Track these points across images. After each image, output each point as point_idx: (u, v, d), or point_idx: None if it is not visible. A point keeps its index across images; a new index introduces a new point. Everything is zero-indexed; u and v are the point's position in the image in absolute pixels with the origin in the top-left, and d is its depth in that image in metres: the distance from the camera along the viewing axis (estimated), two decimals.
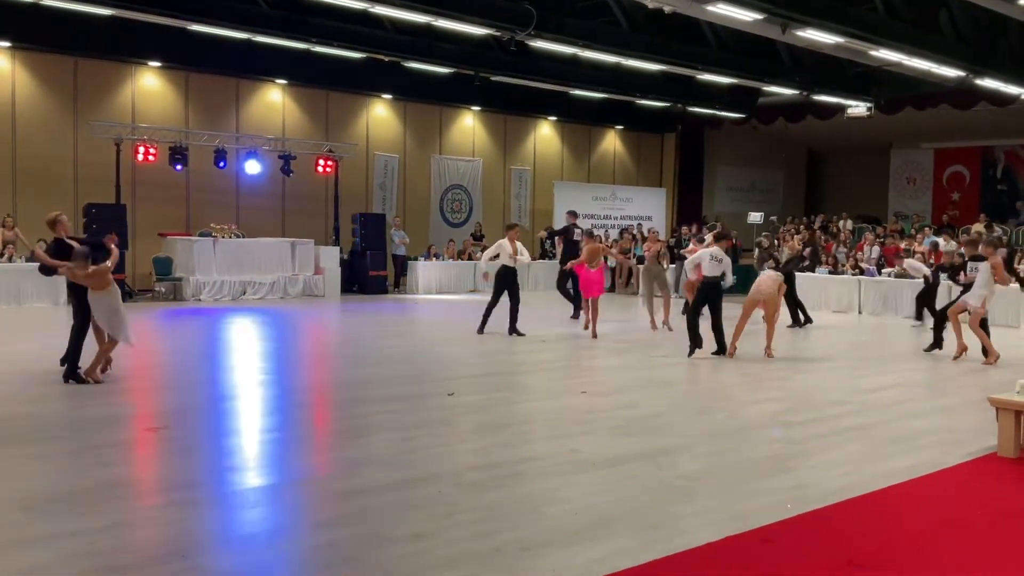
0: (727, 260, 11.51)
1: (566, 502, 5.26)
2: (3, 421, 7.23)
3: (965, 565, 4.47)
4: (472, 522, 4.88)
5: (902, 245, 19.40)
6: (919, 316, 15.63)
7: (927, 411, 8.23)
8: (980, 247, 11.64)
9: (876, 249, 19.85)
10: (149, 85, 19.40)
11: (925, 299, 15.37)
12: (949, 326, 11.66)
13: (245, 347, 12.56)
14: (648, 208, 26.96)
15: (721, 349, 11.32)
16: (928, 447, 6.77)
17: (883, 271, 18.40)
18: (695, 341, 11.26)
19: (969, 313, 11.11)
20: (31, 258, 16.63)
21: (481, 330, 12.90)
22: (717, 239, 11.78)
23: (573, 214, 17.19)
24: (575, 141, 27.03)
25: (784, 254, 18.77)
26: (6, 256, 16.27)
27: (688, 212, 27.46)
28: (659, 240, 15.47)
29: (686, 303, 18.15)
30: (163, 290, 18.15)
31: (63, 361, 9.03)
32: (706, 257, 11.30)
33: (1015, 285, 15.38)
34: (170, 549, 4.47)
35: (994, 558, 4.57)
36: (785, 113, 24.42)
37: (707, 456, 6.42)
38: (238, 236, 19.14)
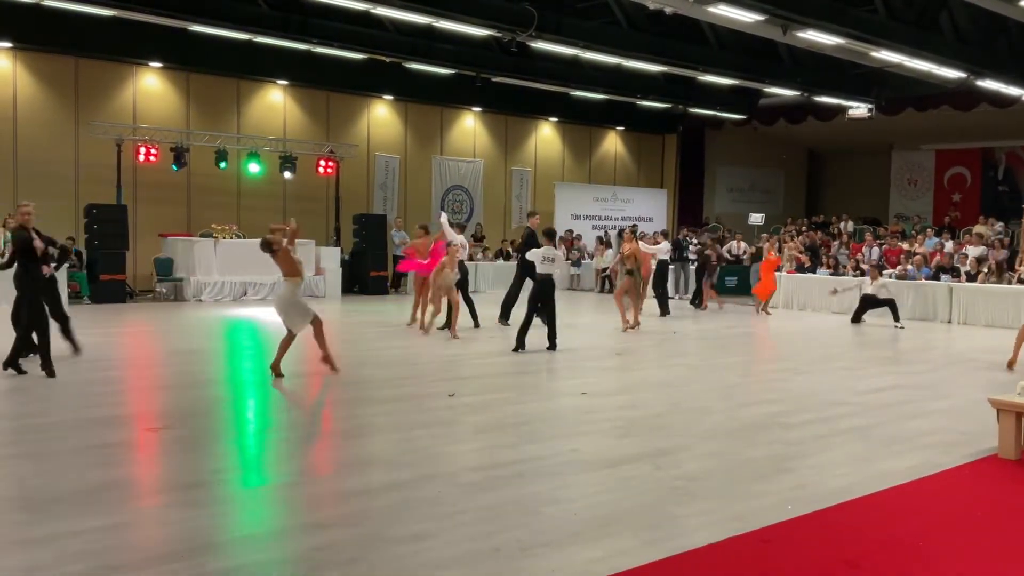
0: (560, 257, 12.03)
1: (566, 502, 5.26)
2: (4, 420, 7.24)
3: (965, 566, 4.46)
4: (472, 522, 4.88)
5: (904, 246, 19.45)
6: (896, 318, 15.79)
7: (927, 412, 8.23)
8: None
9: (876, 250, 19.85)
10: (150, 85, 19.42)
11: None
12: None
13: (245, 347, 12.57)
14: (649, 209, 26.98)
15: (552, 345, 11.50)
16: (928, 448, 6.77)
17: (884, 272, 18.39)
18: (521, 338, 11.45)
19: None
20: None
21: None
22: (549, 237, 12.01)
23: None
24: (576, 142, 27.05)
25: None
26: (6, 257, 16.24)
27: (689, 213, 27.50)
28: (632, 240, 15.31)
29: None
30: (164, 291, 18.16)
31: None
32: (538, 256, 11.54)
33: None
34: (171, 549, 4.47)
35: (994, 559, 4.57)
36: (786, 114, 24.45)
37: (707, 457, 6.42)
38: (239, 236, 19.15)
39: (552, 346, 11.39)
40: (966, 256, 17.80)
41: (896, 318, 15.66)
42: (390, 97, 22.68)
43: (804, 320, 16.86)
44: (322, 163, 20.78)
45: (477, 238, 23.54)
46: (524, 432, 7.20)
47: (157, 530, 4.81)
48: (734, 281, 21.52)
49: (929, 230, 21.45)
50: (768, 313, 17.43)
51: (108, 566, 4.21)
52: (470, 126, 24.79)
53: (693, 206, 28.01)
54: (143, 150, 18.25)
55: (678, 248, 20.58)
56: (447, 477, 5.73)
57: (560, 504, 5.23)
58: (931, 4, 16.42)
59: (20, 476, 5.72)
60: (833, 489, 5.61)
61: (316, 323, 9.24)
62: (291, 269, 9.26)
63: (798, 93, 21.20)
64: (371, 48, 18.30)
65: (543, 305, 11.49)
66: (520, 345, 11.30)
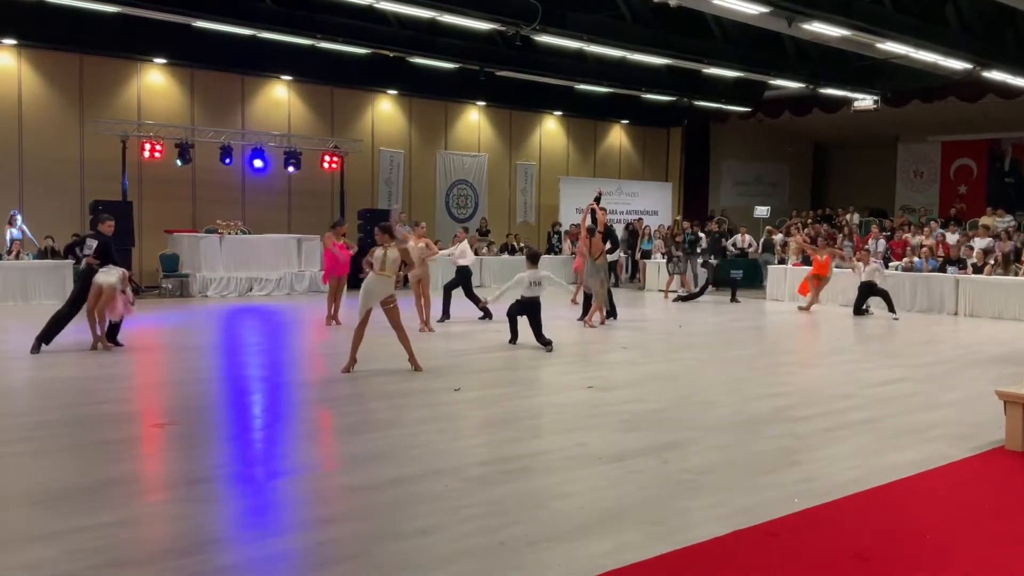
0: (547, 279, 11.95)
1: (572, 496, 5.26)
2: (11, 417, 7.26)
3: (973, 558, 4.45)
4: (478, 517, 4.88)
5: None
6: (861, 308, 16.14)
7: (934, 404, 8.21)
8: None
9: (882, 242, 19.79)
10: (154, 82, 19.43)
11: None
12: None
13: (251, 343, 12.59)
14: (654, 202, 26.94)
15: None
16: (935, 440, 6.75)
17: (890, 264, 18.35)
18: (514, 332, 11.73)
19: None
20: (37, 255, 16.72)
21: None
22: (532, 261, 12.03)
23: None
24: (581, 136, 27.00)
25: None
26: (13, 253, 16.31)
27: (694, 206, 27.44)
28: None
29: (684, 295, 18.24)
30: (170, 287, 18.19)
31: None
32: (524, 282, 11.56)
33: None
34: (177, 545, 4.47)
35: (1002, 551, 4.55)
36: (791, 106, 24.37)
37: (714, 450, 6.41)
38: (244, 232, 19.17)
39: (544, 344, 11.23)
40: (972, 248, 17.75)
41: (891, 309, 15.63)
42: (394, 92, 22.66)
43: (809, 312, 16.80)
44: (326, 158, 20.77)
45: (482, 233, 23.52)
46: (530, 426, 7.20)
47: (164, 526, 4.82)
48: (740, 274, 21.47)
49: (934, 222, 21.37)
50: (804, 309, 17.19)
51: (115, 562, 4.21)
52: (474, 120, 24.76)
53: (698, 199, 27.93)
54: (148, 146, 18.26)
55: (695, 243, 20.51)
56: (453, 472, 5.73)
57: (567, 498, 5.22)
58: None
59: (27, 472, 5.74)
60: (841, 482, 5.60)
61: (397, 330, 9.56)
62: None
63: (803, 85, 21.11)
64: (375, 43, 18.27)
65: (530, 317, 11.45)
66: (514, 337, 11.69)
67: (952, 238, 19.11)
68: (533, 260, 11.89)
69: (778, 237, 22.09)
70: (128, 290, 10.99)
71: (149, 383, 9.34)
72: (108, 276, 10.59)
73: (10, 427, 6.90)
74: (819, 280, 17.03)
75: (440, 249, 14.92)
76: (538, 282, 11.55)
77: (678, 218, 25.62)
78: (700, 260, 19.75)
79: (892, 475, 5.77)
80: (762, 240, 22.32)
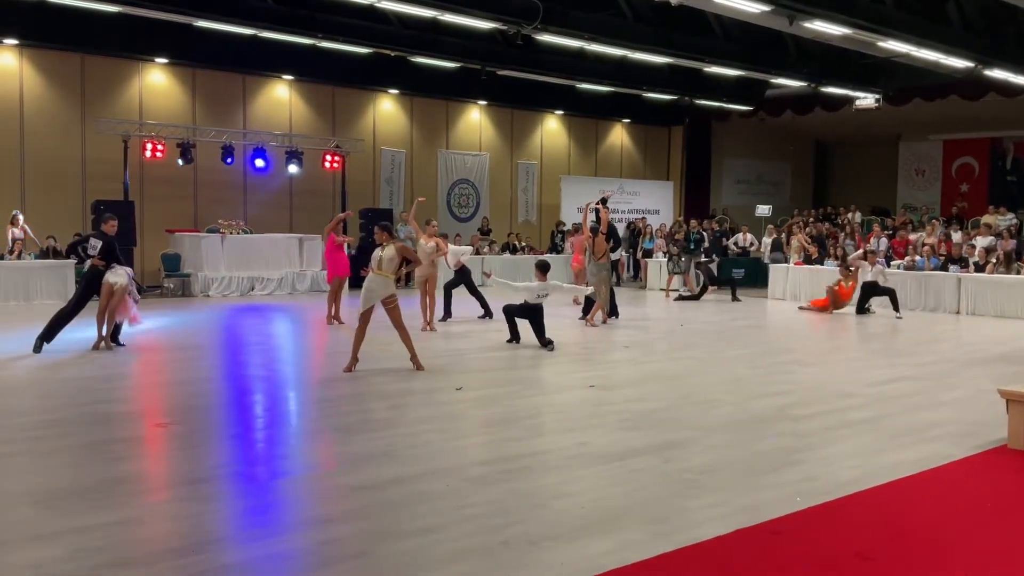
0: (553, 287, 12.04)
1: (574, 496, 5.25)
2: (12, 417, 7.26)
3: (975, 557, 4.44)
4: (480, 516, 4.88)
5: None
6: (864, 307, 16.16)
7: (936, 403, 8.19)
8: None
9: (884, 241, 19.77)
10: (156, 81, 19.44)
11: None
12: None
13: (253, 343, 12.58)
14: (655, 201, 26.93)
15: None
16: (937, 439, 6.74)
17: (892, 263, 18.32)
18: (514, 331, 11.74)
19: None
20: (39, 255, 16.73)
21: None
22: (542, 270, 11.95)
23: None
24: (582, 135, 27.00)
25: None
26: (15, 253, 16.32)
27: (695, 205, 27.44)
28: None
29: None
30: (172, 286, 18.20)
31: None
32: (532, 294, 11.56)
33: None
34: (179, 544, 4.47)
35: (1004, 550, 4.55)
36: (793, 105, 24.35)
37: (715, 449, 6.40)
38: (246, 232, 19.18)
39: (545, 344, 11.21)
40: (974, 247, 17.72)
41: (896, 308, 15.62)
42: (395, 91, 22.66)
43: (811, 311, 16.78)
44: (328, 158, 20.78)
45: (483, 232, 23.52)
46: (532, 426, 7.20)
47: (164, 525, 4.82)
48: (741, 273, 21.46)
49: (936, 221, 21.34)
50: (805, 308, 17.10)
51: (118, 561, 4.21)
52: (476, 120, 24.76)
53: (700, 198, 27.93)
54: (150, 146, 18.28)
55: (699, 243, 20.49)
56: (454, 471, 5.72)
57: (568, 497, 5.22)
58: None
59: (28, 472, 5.74)
60: (842, 481, 5.59)
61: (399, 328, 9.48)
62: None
63: (805, 84, 21.09)
64: (376, 42, 18.28)
65: (532, 320, 11.45)
66: (515, 337, 11.68)
67: (956, 236, 19.09)
68: (543, 271, 11.80)
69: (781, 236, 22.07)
70: (133, 288, 11.02)
71: (150, 383, 9.34)
72: (118, 276, 10.66)
73: (11, 427, 6.90)
74: (838, 303, 16.73)
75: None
76: (546, 293, 11.60)
77: (680, 218, 25.61)
78: (694, 262, 19.70)
79: (894, 474, 5.76)
80: (772, 239, 22.19)
